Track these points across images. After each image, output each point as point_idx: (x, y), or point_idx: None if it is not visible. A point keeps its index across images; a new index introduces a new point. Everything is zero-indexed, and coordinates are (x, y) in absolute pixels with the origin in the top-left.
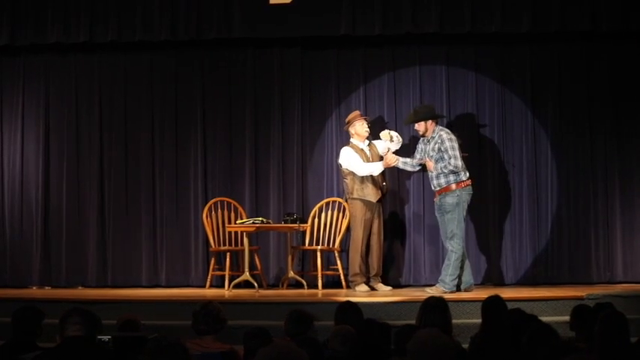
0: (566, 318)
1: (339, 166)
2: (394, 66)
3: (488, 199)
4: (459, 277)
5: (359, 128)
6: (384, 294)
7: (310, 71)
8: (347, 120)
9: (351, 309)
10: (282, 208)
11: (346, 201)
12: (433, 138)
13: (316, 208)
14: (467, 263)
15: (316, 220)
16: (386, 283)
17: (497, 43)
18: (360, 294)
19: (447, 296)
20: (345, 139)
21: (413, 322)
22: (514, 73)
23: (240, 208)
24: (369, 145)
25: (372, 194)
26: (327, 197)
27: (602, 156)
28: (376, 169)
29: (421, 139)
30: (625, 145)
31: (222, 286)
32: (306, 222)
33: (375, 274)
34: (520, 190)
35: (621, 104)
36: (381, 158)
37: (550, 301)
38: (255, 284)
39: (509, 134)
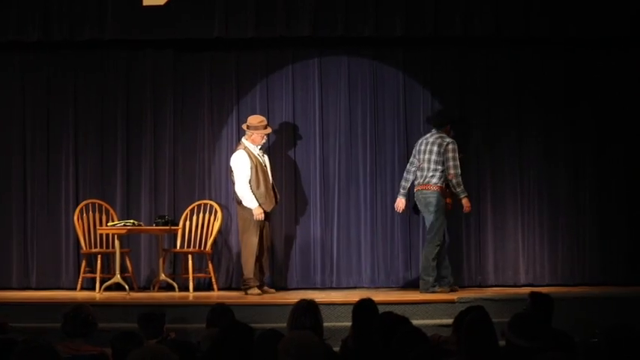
0: (437, 321)
1: (229, 168)
2: (267, 69)
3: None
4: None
5: (257, 137)
6: (273, 296)
7: (183, 74)
8: (248, 123)
9: (222, 311)
10: (153, 209)
11: (238, 203)
12: None
13: (187, 210)
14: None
15: (187, 222)
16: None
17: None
18: (252, 297)
19: (318, 299)
20: (216, 143)
21: (283, 325)
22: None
23: (111, 210)
24: (261, 149)
25: (266, 203)
26: (198, 199)
27: (474, 159)
28: (252, 204)
29: None
30: (496, 145)
31: (94, 289)
32: (178, 224)
33: (266, 277)
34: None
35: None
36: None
37: (421, 305)
38: (126, 287)
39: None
